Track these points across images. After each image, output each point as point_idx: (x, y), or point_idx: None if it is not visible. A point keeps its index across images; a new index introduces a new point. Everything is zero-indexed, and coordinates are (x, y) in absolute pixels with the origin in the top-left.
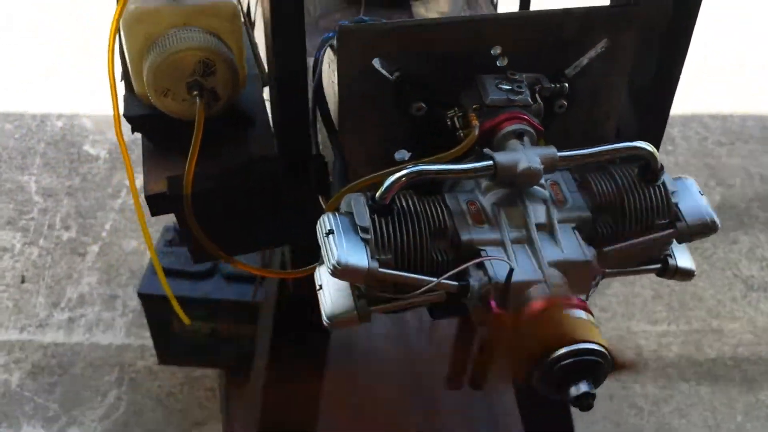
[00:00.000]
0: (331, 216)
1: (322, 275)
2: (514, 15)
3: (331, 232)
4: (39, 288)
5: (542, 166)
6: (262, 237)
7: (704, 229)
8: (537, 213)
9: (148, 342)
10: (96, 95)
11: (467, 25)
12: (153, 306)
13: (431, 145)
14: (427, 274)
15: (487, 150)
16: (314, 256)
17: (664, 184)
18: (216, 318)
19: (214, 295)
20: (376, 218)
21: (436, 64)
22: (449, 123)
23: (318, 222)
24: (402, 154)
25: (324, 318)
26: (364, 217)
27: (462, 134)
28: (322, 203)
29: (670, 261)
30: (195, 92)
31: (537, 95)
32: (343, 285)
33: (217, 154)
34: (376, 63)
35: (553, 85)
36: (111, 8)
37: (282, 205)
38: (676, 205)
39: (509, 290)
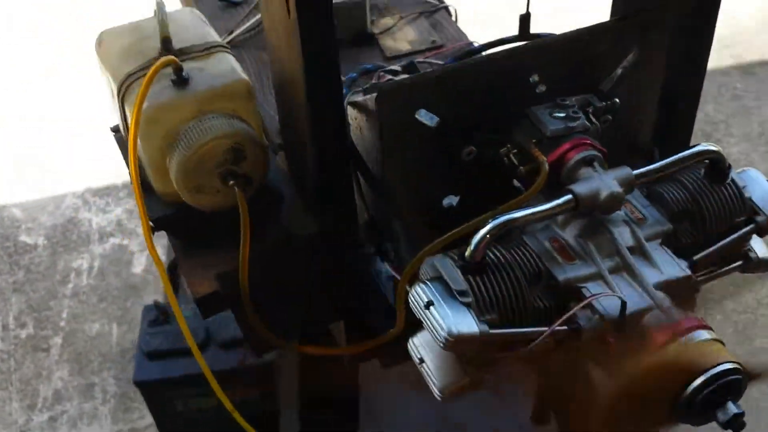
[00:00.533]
0: (424, 286)
1: (421, 348)
2: (548, 41)
3: (431, 303)
4: (10, 394)
5: (622, 190)
6: (318, 315)
7: None
8: (623, 237)
9: (139, 424)
10: (24, 183)
11: (505, 60)
12: (152, 392)
13: (482, 185)
14: (532, 324)
15: (570, 186)
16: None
17: (733, 181)
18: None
19: (215, 367)
20: (471, 279)
21: (475, 103)
22: (506, 161)
23: (411, 295)
24: (450, 200)
25: (436, 392)
26: (459, 281)
27: (523, 170)
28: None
29: (752, 255)
30: (231, 182)
31: (591, 116)
32: (446, 354)
33: (256, 237)
34: (419, 115)
35: (604, 104)
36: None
37: (331, 278)
38: (750, 198)
39: (626, 324)
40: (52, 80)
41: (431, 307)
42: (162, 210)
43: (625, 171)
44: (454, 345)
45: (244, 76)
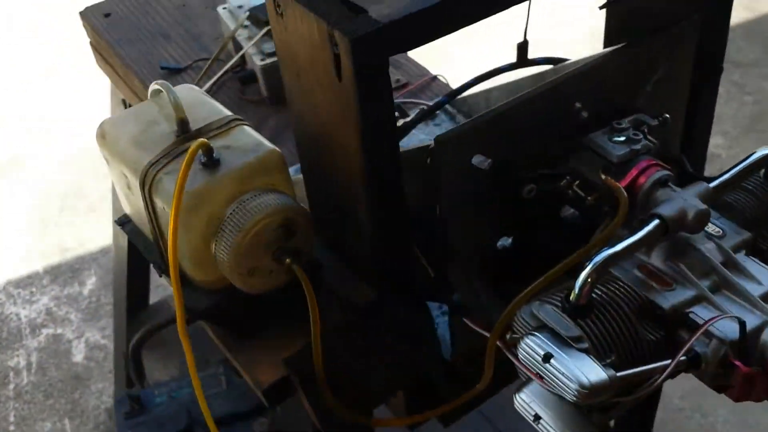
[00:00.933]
0: (537, 338)
1: (533, 404)
2: (588, 66)
3: (549, 356)
4: None
5: (706, 206)
6: (387, 382)
7: None
8: (712, 253)
9: None
10: None
11: (549, 92)
12: None
13: (539, 222)
14: (648, 360)
15: (655, 211)
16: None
17: None
18: None
19: None
20: (581, 323)
21: (525, 140)
22: (570, 194)
23: (522, 350)
24: (504, 241)
25: None
26: (569, 326)
27: (591, 200)
28: (474, 327)
29: None
30: (288, 259)
31: (648, 136)
32: (566, 406)
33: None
34: (476, 161)
35: (657, 121)
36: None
37: (400, 340)
38: None
39: (747, 344)
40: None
41: (552, 360)
42: (205, 300)
43: (703, 186)
44: (588, 397)
45: (273, 146)
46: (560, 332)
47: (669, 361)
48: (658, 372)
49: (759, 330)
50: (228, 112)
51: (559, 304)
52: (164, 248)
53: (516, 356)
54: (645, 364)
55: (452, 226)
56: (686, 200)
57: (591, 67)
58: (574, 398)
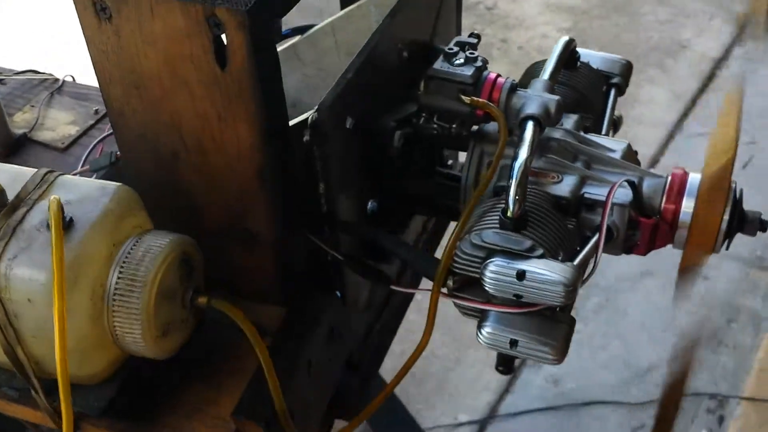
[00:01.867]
0: (499, 262)
1: (502, 332)
2: (395, 9)
3: (522, 272)
4: None
5: (558, 96)
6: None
7: None
8: (568, 138)
9: None
10: None
11: (382, 41)
12: None
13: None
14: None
15: (526, 114)
16: None
17: (582, 61)
18: None
19: None
20: (525, 233)
21: (378, 92)
22: (436, 128)
23: (490, 280)
24: (372, 205)
25: (550, 359)
26: (520, 240)
27: (455, 128)
28: None
29: None
30: (202, 298)
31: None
32: (532, 320)
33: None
34: (348, 123)
35: (474, 39)
36: None
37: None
38: (598, 69)
39: (642, 198)
40: None
41: (526, 275)
42: (101, 396)
43: (542, 82)
44: (572, 294)
45: (117, 183)
46: (514, 249)
47: (596, 239)
48: (592, 253)
49: (640, 186)
50: (32, 168)
51: (498, 225)
52: (28, 356)
53: (463, 299)
54: (578, 252)
55: (339, 199)
56: (542, 97)
57: (397, 8)
58: (561, 300)
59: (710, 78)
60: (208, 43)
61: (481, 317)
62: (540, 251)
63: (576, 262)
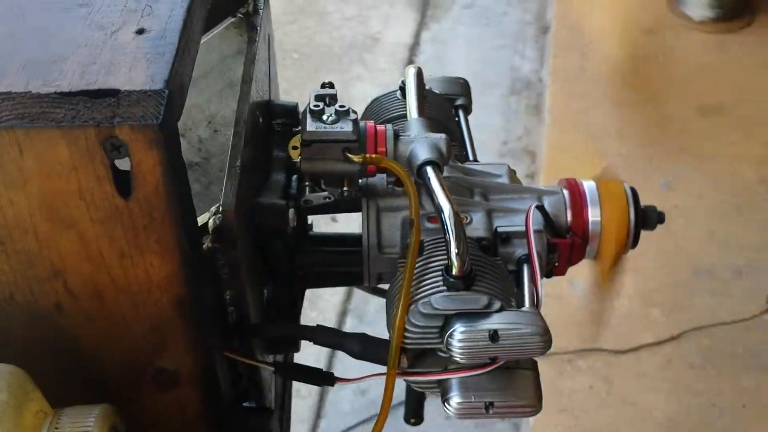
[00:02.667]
0: (464, 328)
1: (476, 396)
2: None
3: (494, 332)
4: None
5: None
6: None
7: None
8: (456, 174)
9: None
10: None
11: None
12: None
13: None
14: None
15: (423, 160)
16: None
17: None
18: None
19: None
20: (477, 288)
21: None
22: (328, 196)
23: (461, 349)
24: (267, 292)
25: (528, 412)
26: (474, 299)
27: (348, 191)
28: None
29: None
30: None
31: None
32: (499, 376)
33: None
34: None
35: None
36: None
37: None
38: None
39: (550, 218)
40: None
41: (499, 334)
42: None
43: (420, 120)
44: (550, 340)
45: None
46: (472, 309)
47: (529, 272)
48: (532, 287)
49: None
50: None
51: (444, 288)
52: None
53: (422, 375)
54: (521, 291)
55: (248, 302)
56: (428, 138)
57: (247, 70)
58: (542, 350)
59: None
60: (105, 172)
61: (443, 389)
62: (498, 304)
63: (527, 303)
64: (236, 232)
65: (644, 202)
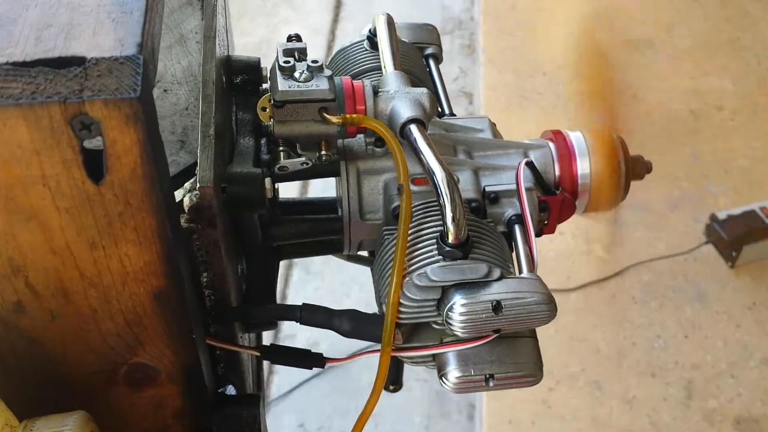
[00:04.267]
0: (465, 299)
1: (474, 370)
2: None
3: (497, 303)
4: None
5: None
6: None
7: None
8: (438, 130)
9: None
10: None
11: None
12: None
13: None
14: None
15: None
16: None
17: None
18: None
19: None
20: (474, 256)
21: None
22: (305, 162)
23: (463, 321)
24: (242, 266)
25: (529, 382)
26: (474, 268)
27: (325, 158)
28: None
29: None
30: None
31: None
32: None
33: None
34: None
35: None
36: None
37: None
38: (408, 41)
39: (540, 174)
40: None
41: (503, 304)
42: None
43: (399, 74)
44: (555, 308)
45: None
46: (472, 278)
47: (522, 232)
48: (527, 250)
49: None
50: None
51: (440, 258)
52: None
53: (418, 350)
54: (518, 255)
55: (228, 283)
56: (409, 93)
57: (209, 25)
58: (548, 318)
59: (338, 7)
60: (74, 155)
61: (439, 363)
62: (498, 272)
63: (525, 269)
64: (215, 210)
65: None
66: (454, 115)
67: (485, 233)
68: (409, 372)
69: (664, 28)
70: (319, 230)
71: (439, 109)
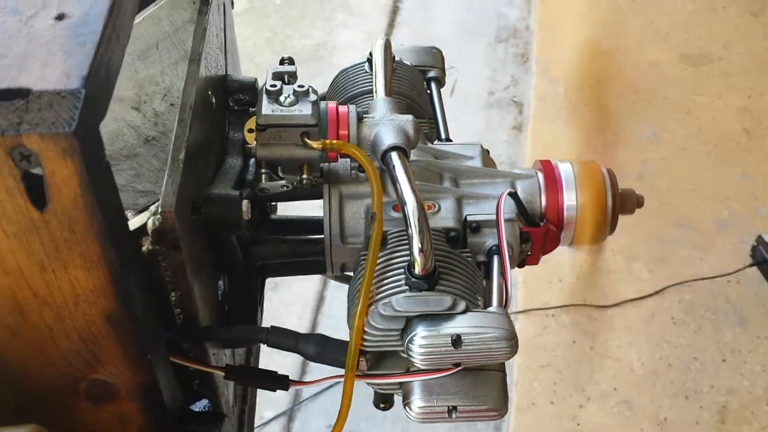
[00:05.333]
0: (425, 332)
1: (438, 400)
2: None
3: (457, 336)
4: None
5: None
6: None
7: None
8: (426, 157)
9: None
10: None
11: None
12: None
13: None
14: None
15: (389, 145)
16: None
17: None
18: None
19: None
20: (442, 288)
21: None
22: (286, 185)
23: (422, 354)
24: (222, 286)
25: (493, 416)
26: (439, 300)
27: (307, 178)
28: None
29: None
30: None
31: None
32: (463, 379)
33: None
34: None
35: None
36: None
37: None
38: (413, 65)
39: (523, 205)
40: None
41: (462, 339)
42: None
43: (383, 101)
44: (517, 345)
45: None
46: (435, 310)
47: (499, 265)
48: (502, 282)
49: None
50: None
51: (406, 288)
52: None
53: (382, 377)
54: (489, 288)
55: (198, 303)
56: (393, 120)
57: (196, 48)
58: (509, 355)
59: (395, 12)
60: (16, 183)
61: (405, 391)
62: (463, 305)
63: (495, 303)
64: (179, 234)
65: (623, 153)
66: (450, 140)
67: (456, 264)
68: None
69: (722, 45)
70: (300, 251)
71: (436, 132)
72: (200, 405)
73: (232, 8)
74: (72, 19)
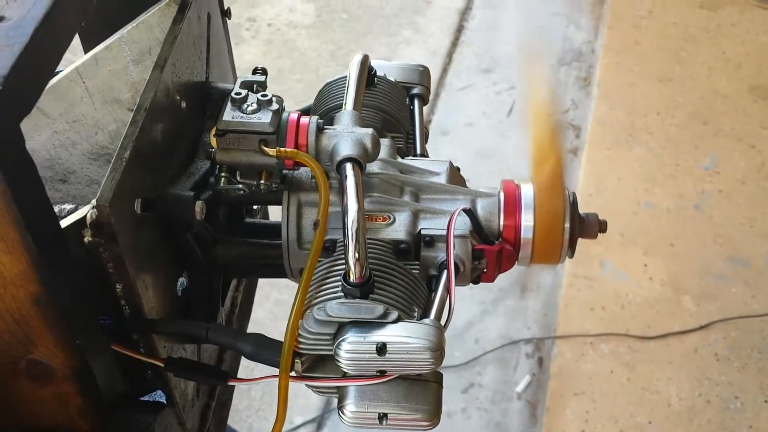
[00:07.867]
0: (353, 338)
1: (370, 406)
2: (165, 51)
3: (382, 345)
4: None
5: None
6: None
7: None
8: (389, 170)
9: None
10: None
11: (161, 95)
12: None
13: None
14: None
15: (342, 157)
16: None
17: (379, 75)
18: None
19: None
20: (375, 297)
21: (162, 159)
22: (242, 189)
23: (347, 359)
24: (182, 282)
25: (424, 425)
26: (371, 308)
27: (263, 186)
28: None
29: None
30: None
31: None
32: (397, 387)
33: None
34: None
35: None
36: None
37: None
38: (397, 81)
39: (479, 222)
40: None
41: (387, 347)
42: None
43: (348, 113)
44: (442, 355)
45: None
46: (366, 318)
47: (445, 280)
48: (446, 296)
49: (475, 211)
50: None
51: (342, 295)
52: None
53: (316, 380)
54: (431, 301)
55: (145, 295)
56: (354, 132)
57: (164, 55)
58: (431, 366)
59: (459, 31)
60: None
61: (340, 395)
62: (395, 314)
63: (433, 315)
64: (115, 227)
65: (681, 183)
66: (425, 155)
67: (396, 276)
68: (470, 400)
69: None
70: (260, 254)
71: (412, 147)
72: (157, 395)
73: (229, 19)
74: (9, 22)
